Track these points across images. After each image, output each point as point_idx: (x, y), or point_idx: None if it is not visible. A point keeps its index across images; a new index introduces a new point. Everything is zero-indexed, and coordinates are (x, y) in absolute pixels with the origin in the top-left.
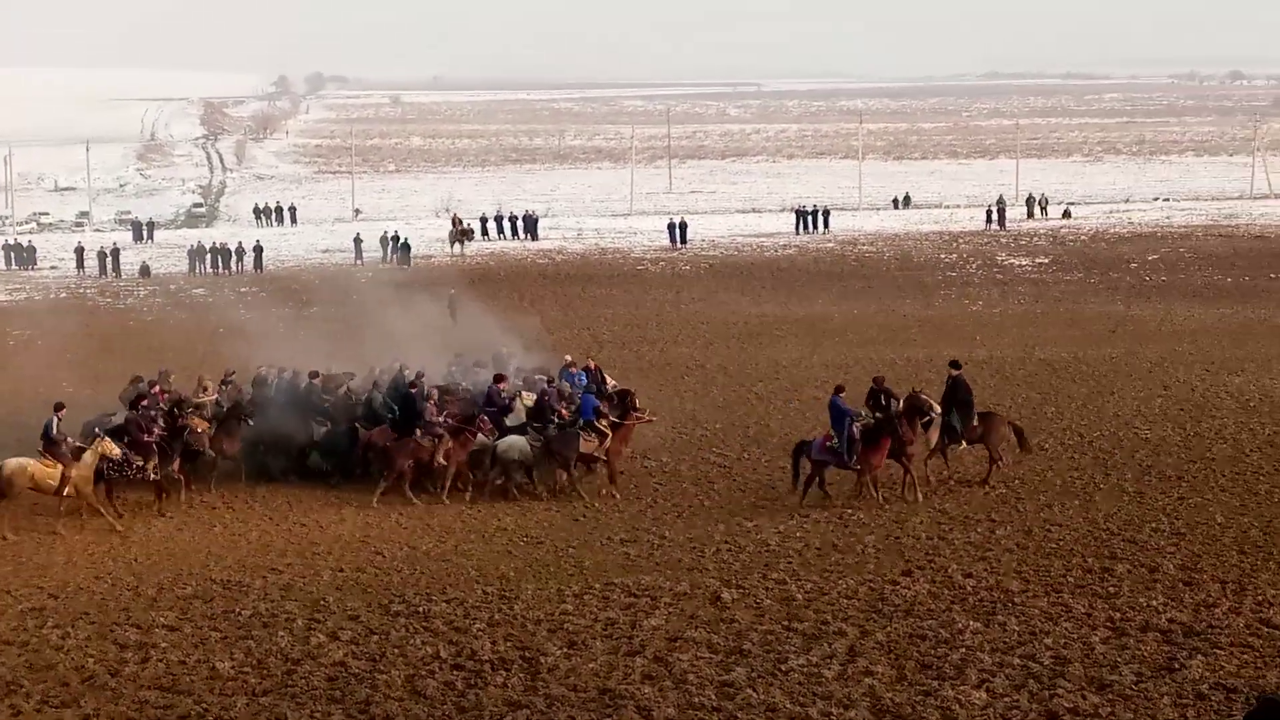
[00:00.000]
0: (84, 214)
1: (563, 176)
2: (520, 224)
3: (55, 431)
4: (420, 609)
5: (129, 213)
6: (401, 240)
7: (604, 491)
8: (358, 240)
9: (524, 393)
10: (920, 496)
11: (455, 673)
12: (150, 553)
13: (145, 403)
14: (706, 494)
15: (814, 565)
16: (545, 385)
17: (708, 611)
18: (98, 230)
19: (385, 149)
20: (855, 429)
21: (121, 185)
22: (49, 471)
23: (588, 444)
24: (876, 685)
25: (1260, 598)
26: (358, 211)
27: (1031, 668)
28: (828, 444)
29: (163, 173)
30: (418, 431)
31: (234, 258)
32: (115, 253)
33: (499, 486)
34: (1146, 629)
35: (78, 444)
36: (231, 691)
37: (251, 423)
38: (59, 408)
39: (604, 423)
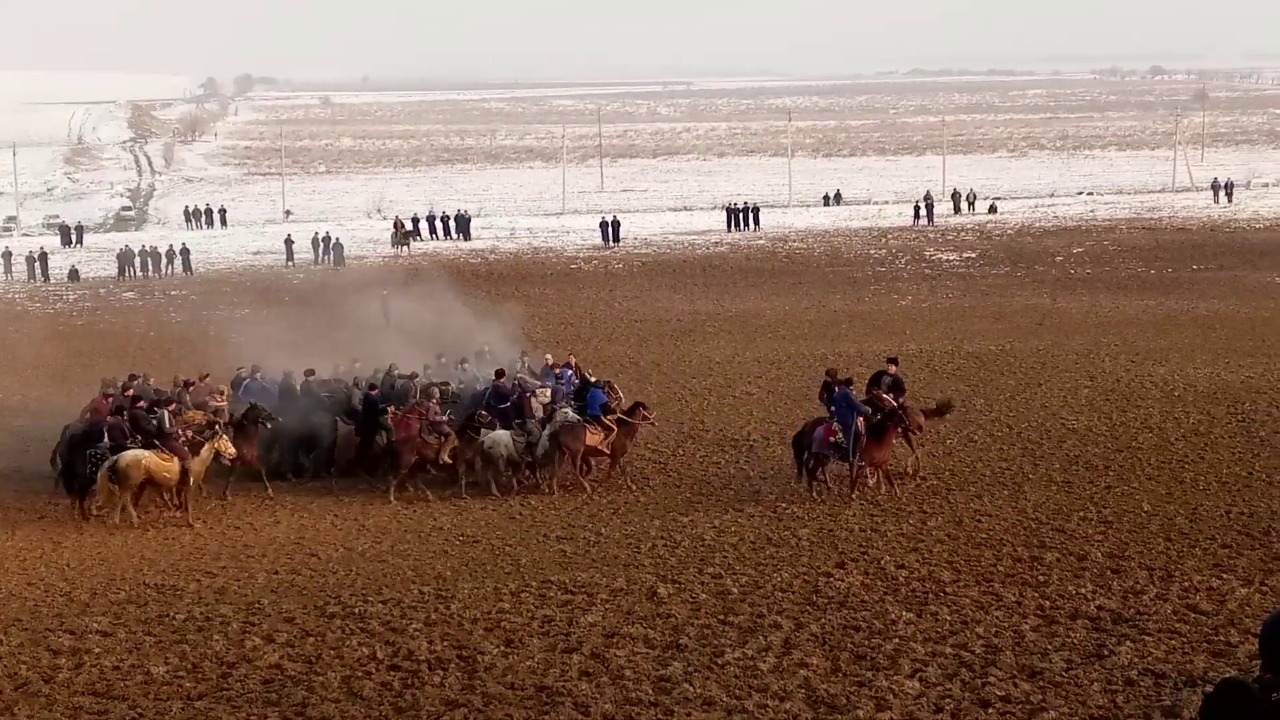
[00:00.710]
0: (11, 219)
1: (495, 176)
2: (453, 224)
3: (169, 426)
4: (356, 610)
5: (57, 217)
6: (334, 240)
7: (589, 483)
8: (289, 242)
9: (539, 389)
10: (895, 490)
11: (392, 673)
12: (83, 558)
13: (142, 404)
14: (642, 490)
15: (749, 559)
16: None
17: (644, 607)
18: (25, 235)
19: (315, 150)
20: (860, 423)
21: (49, 189)
22: (166, 464)
23: (594, 438)
24: (811, 677)
25: (1186, 584)
26: (288, 213)
27: (963, 656)
28: (831, 438)
29: (91, 176)
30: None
31: (164, 261)
32: (44, 257)
33: (474, 482)
34: (1076, 616)
35: (196, 438)
36: (166, 696)
37: (270, 425)
38: (168, 403)
39: (611, 418)
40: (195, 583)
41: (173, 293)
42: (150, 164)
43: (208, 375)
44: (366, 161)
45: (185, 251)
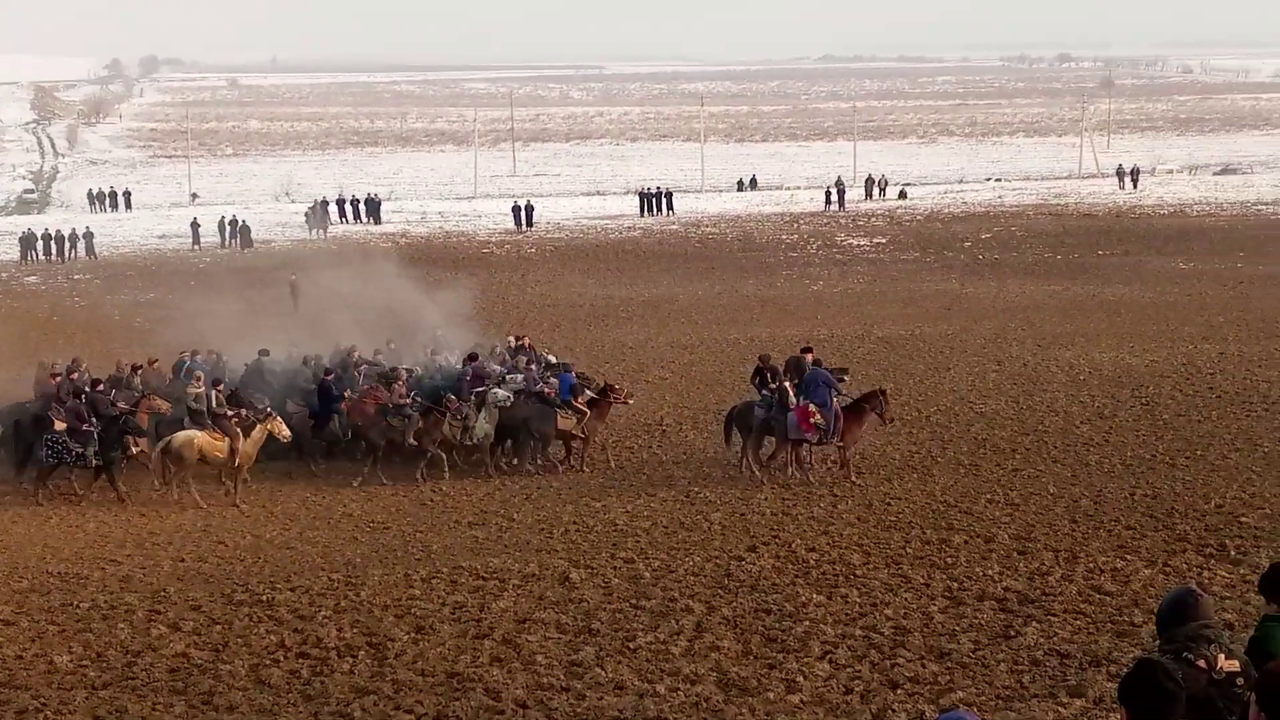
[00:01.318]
0: None
1: (405, 159)
2: (363, 207)
3: (216, 405)
4: (264, 597)
5: None
6: (241, 224)
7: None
8: (195, 225)
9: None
10: (854, 476)
11: (300, 661)
12: None
13: (101, 389)
14: (554, 475)
15: (661, 543)
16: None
17: (556, 592)
18: None
19: (222, 132)
20: (837, 402)
21: None
22: (216, 444)
23: (565, 421)
24: (723, 660)
25: (1091, 565)
26: (194, 196)
27: (873, 638)
28: (810, 419)
29: None
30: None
31: (67, 244)
32: None
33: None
34: (983, 598)
35: (252, 418)
36: (70, 685)
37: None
38: (216, 383)
39: (581, 401)
40: (100, 570)
41: (76, 277)
42: (53, 146)
43: (156, 360)
44: (274, 144)
45: (89, 235)
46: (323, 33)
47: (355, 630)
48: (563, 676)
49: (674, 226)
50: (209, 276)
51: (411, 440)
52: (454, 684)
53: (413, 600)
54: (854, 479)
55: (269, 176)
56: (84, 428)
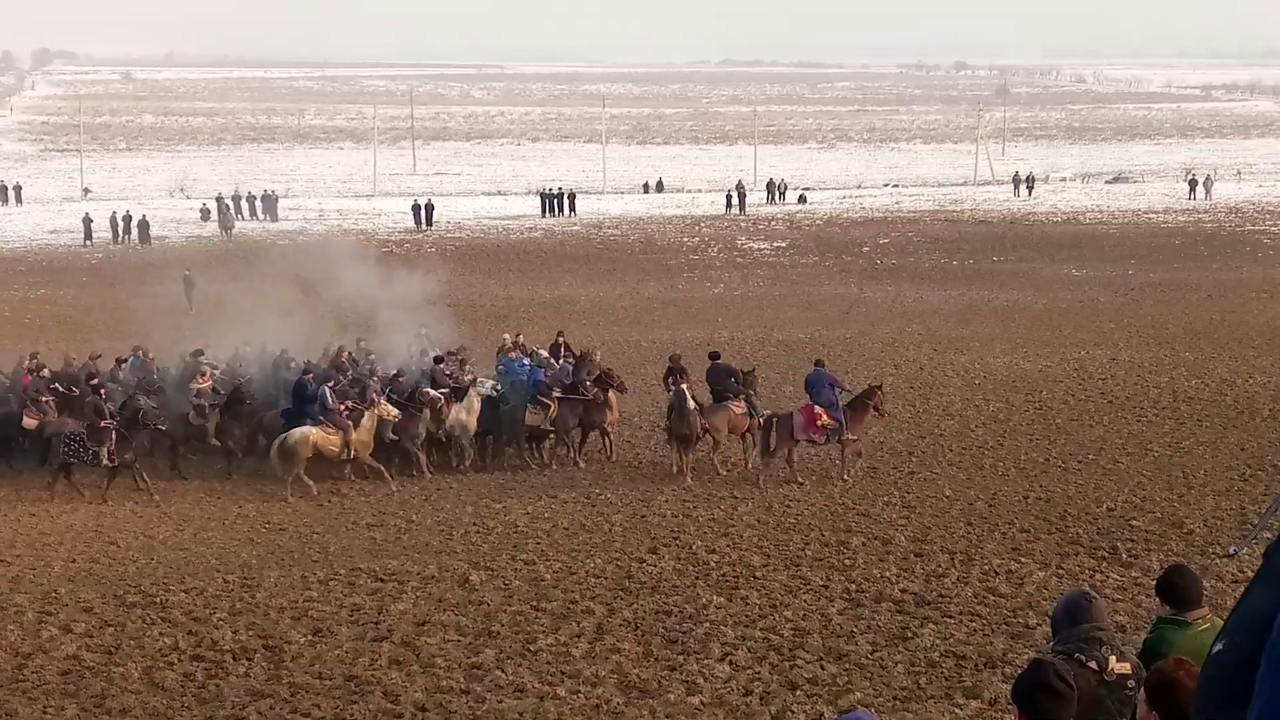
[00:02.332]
0: None
1: (303, 156)
2: (259, 204)
3: (330, 401)
4: (157, 599)
5: None
6: (139, 219)
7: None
8: (87, 220)
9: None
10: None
11: (195, 663)
12: None
13: (96, 383)
14: (454, 477)
15: (562, 545)
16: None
17: (456, 594)
18: None
19: (116, 127)
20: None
21: None
22: (330, 438)
23: (534, 417)
24: (624, 662)
25: (986, 567)
26: (87, 191)
27: (772, 640)
28: (819, 421)
29: None
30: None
31: None
32: None
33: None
34: (881, 600)
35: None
36: None
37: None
38: (326, 379)
39: (550, 397)
40: None
41: None
42: None
43: (99, 355)
44: (169, 139)
45: None
46: (219, 27)
47: (251, 633)
48: (462, 679)
49: (576, 228)
50: (101, 273)
51: (391, 435)
52: (352, 687)
53: (310, 602)
54: (847, 477)
55: (163, 172)
56: (102, 424)
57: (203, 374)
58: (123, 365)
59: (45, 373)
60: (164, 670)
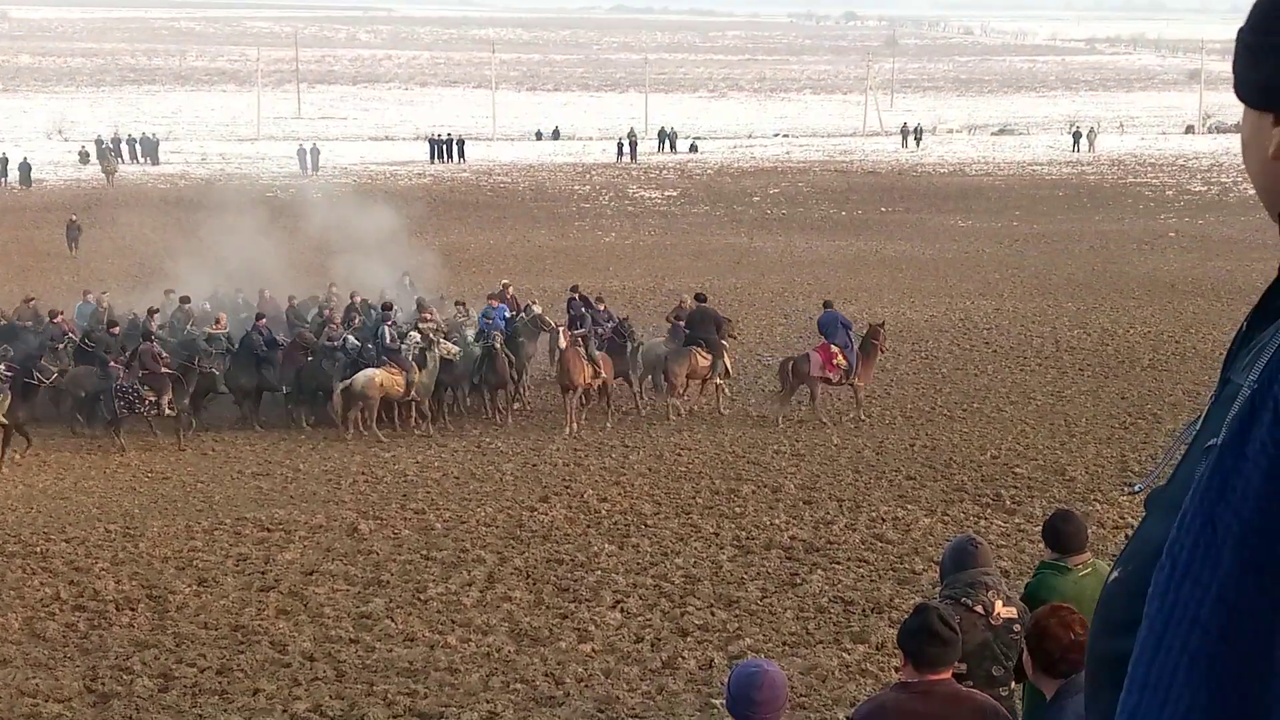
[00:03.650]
0: None
1: (185, 99)
2: (139, 148)
3: (390, 340)
4: (38, 549)
5: None
6: (21, 161)
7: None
8: None
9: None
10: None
11: (77, 614)
12: None
13: (118, 330)
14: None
15: (453, 494)
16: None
17: (344, 544)
18: None
19: None
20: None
21: None
22: (395, 379)
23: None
24: (515, 610)
25: (874, 514)
26: None
27: (664, 587)
28: (834, 360)
29: None
30: None
31: None
32: None
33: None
34: (770, 546)
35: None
36: None
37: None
38: (387, 318)
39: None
40: None
41: None
42: None
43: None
44: (46, 80)
45: None
46: None
47: (134, 582)
48: (351, 629)
49: (465, 174)
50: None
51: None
52: (239, 637)
53: (194, 552)
54: (864, 417)
55: (41, 113)
56: (161, 371)
57: (218, 320)
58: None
59: (60, 319)
60: (45, 620)
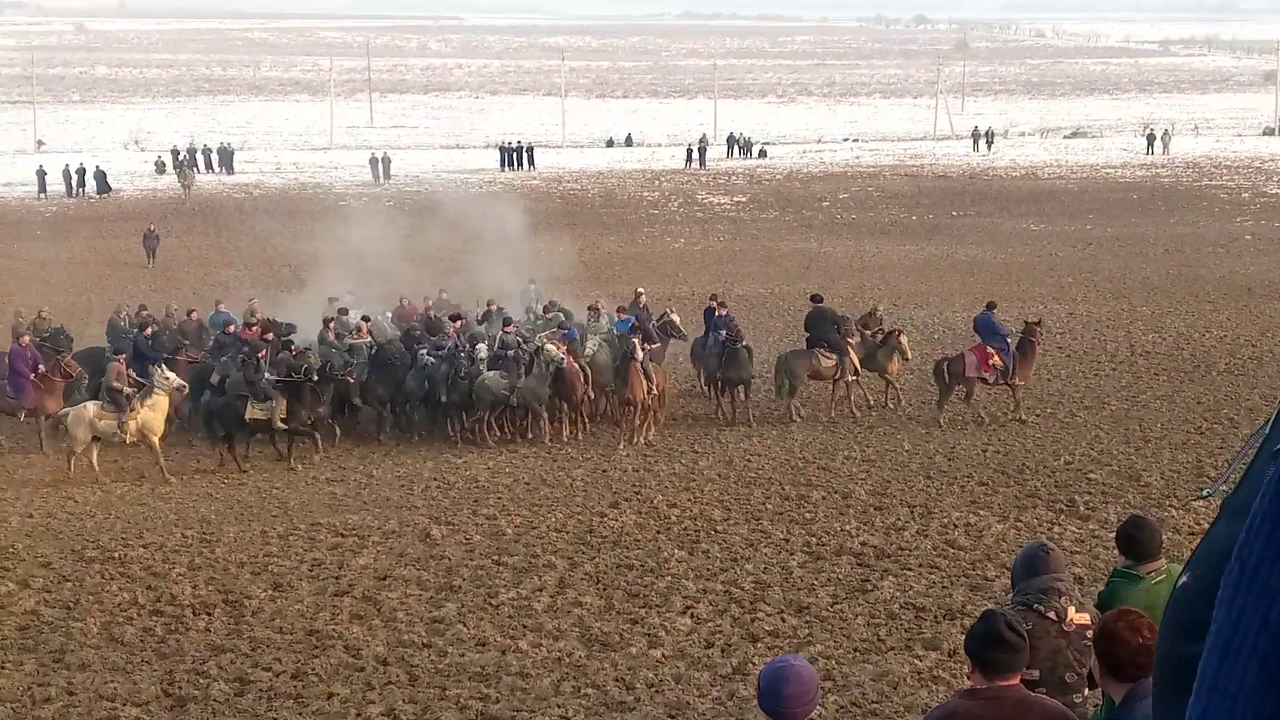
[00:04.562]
0: None
1: (259, 108)
2: (215, 157)
3: (499, 346)
4: (116, 554)
5: None
6: (96, 170)
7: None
8: (41, 173)
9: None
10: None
11: (154, 618)
12: None
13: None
14: (413, 431)
15: (523, 500)
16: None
17: (417, 549)
18: None
19: (70, 78)
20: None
21: None
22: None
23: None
24: (585, 615)
25: (945, 520)
26: (40, 143)
27: (734, 593)
28: (990, 360)
29: None
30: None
31: None
32: None
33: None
34: (841, 552)
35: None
36: None
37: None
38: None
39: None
40: None
41: None
42: None
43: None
44: (123, 91)
45: None
46: None
47: (211, 587)
48: (424, 633)
49: (535, 181)
50: (56, 226)
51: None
52: (313, 641)
53: (270, 557)
54: (1024, 417)
55: (118, 124)
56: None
57: (358, 328)
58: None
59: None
60: (123, 625)
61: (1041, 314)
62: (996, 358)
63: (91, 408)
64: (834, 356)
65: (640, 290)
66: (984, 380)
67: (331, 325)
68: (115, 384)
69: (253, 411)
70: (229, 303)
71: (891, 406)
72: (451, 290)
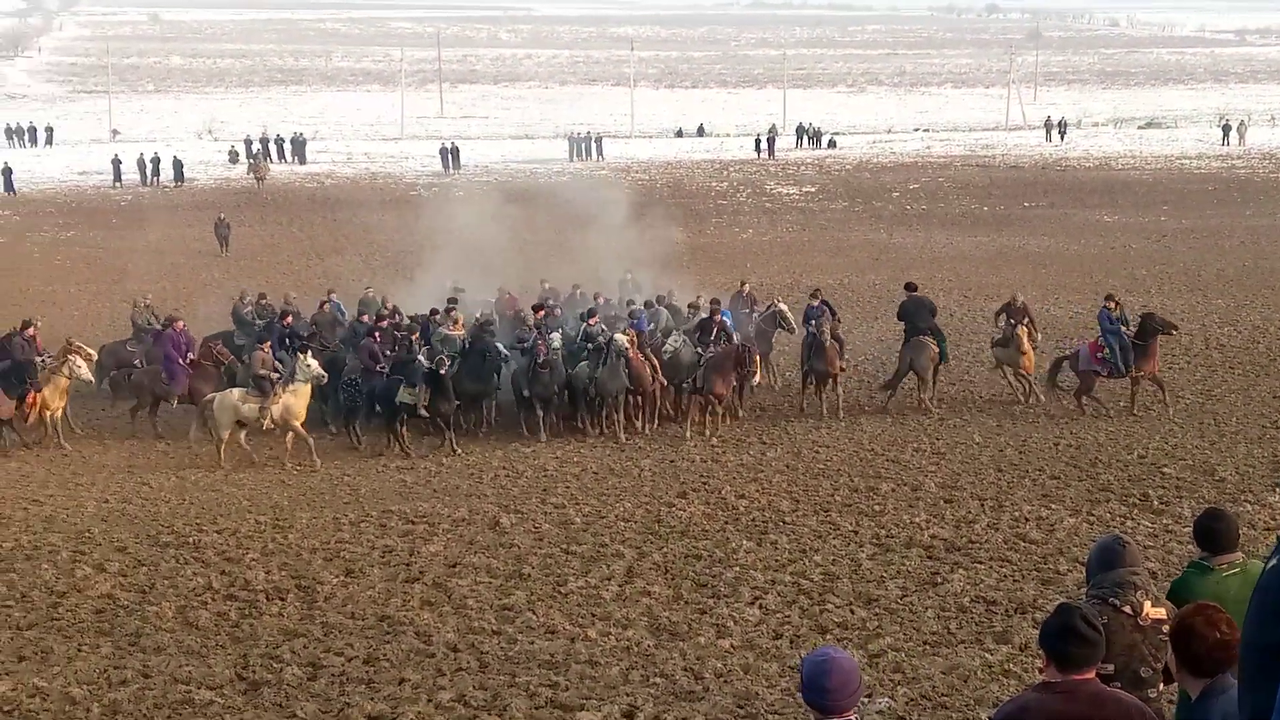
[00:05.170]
0: None
1: (331, 99)
2: (288, 147)
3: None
4: (190, 539)
5: None
6: (173, 159)
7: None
8: (116, 162)
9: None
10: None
11: (229, 603)
12: None
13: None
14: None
15: (592, 489)
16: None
17: (487, 537)
18: None
19: (144, 68)
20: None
21: None
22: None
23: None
24: (653, 605)
25: (1016, 514)
26: (115, 132)
27: (802, 584)
28: (1100, 354)
29: None
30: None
31: None
32: None
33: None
34: (910, 545)
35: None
36: None
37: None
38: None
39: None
40: (23, 511)
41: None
42: None
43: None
44: (197, 81)
45: (8, 171)
46: None
47: (284, 573)
48: (494, 620)
49: (604, 171)
50: (131, 214)
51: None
52: (385, 627)
53: (342, 543)
54: (1136, 412)
55: (191, 114)
56: (378, 368)
57: (456, 320)
58: (324, 307)
59: (289, 320)
60: (198, 609)
61: (1152, 306)
62: (1107, 351)
63: (236, 393)
64: (936, 346)
65: (744, 280)
66: (1096, 373)
67: (437, 317)
68: (260, 371)
69: (403, 395)
70: (339, 293)
71: (1023, 401)
72: (554, 279)
